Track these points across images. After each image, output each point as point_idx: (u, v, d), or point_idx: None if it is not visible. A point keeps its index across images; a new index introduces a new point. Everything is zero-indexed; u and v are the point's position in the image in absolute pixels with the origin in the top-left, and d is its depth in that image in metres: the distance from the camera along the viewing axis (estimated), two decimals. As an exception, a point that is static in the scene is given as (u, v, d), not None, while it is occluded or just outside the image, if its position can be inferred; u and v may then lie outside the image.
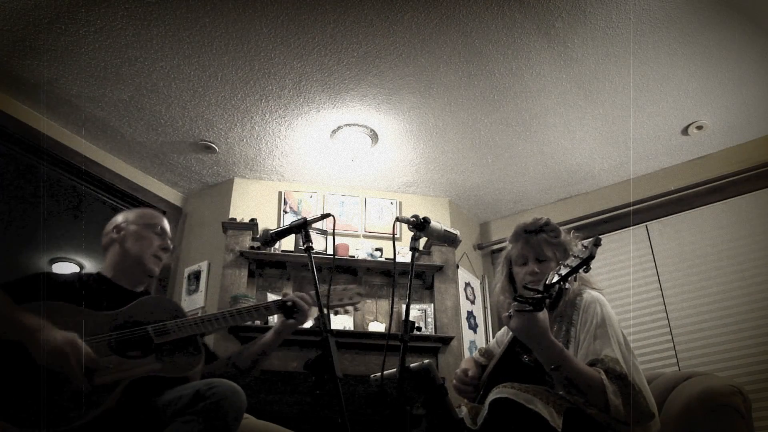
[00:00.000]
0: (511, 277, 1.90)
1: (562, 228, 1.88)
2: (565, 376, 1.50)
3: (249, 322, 2.54)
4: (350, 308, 1.97)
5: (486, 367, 1.92)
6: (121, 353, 1.59)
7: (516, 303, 1.51)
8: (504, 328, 2.07)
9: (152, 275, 1.95)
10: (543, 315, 1.50)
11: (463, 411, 1.68)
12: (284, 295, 1.97)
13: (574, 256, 1.46)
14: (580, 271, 1.45)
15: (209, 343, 2.17)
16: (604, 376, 1.49)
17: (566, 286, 1.48)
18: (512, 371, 1.69)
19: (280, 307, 1.89)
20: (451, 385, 1.90)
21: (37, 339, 1.48)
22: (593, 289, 1.76)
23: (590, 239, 1.46)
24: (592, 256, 1.42)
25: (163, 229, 2.00)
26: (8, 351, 1.50)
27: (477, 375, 1.91)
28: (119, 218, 2.01)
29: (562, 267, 1.47)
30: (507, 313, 1.57)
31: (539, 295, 1.48)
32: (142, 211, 2.08)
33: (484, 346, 2.10)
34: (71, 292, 1.75)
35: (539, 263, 1.79)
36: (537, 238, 1.81)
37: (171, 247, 2.01)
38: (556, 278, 1.47)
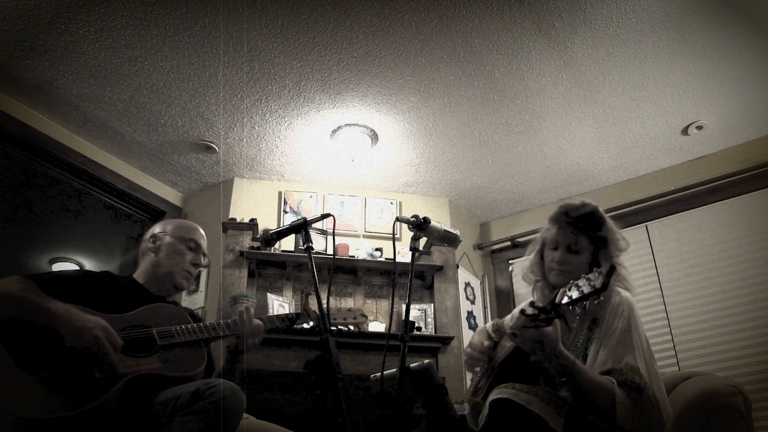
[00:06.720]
0: (542, 256, 1.85)
1: (608, 215, 1.78)
2: (577, 386, 1.48)
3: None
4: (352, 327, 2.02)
5: (497, 343, 1.90)
6: (126, 353, 1.61)
7: (523, 318, 1.47)
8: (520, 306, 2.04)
9: (181, 289, 2.00)
10: (552, 327, 1.46)
11: (466, 408, 1.68)
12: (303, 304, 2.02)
13: (588, 281, 1.40)
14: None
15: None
16: (617, 388, 1.46)
17: (601, 297, 1.38)
18: (518, 370, 1.68)
19: (283, 320, 1.97)
20: (464, 353, 1.86)
21: (66, 320, 1.52)
22: (625, 289, 1.72)
23: (605, 266, 1.38)
24: (604, 288, 1.35)
25: (197, 245, 2.04)
26: (33, 336, 1.53)
27: (491, 347, 1.88)
28: (157, 228, 2.05)
29: (574, 288, 1.42)
30: (510, 331, 1.53)
31: (546, 316, 1.43)
32: (179, 224, 2.11)
33: (497, 321, 2.04)
34: (101, 289, 1.78)
35: (569, 254, 1.75)
36: (574, 228, 1.74)
37: (204, 262, 2.06)
38: (565, 299, 1.42)
